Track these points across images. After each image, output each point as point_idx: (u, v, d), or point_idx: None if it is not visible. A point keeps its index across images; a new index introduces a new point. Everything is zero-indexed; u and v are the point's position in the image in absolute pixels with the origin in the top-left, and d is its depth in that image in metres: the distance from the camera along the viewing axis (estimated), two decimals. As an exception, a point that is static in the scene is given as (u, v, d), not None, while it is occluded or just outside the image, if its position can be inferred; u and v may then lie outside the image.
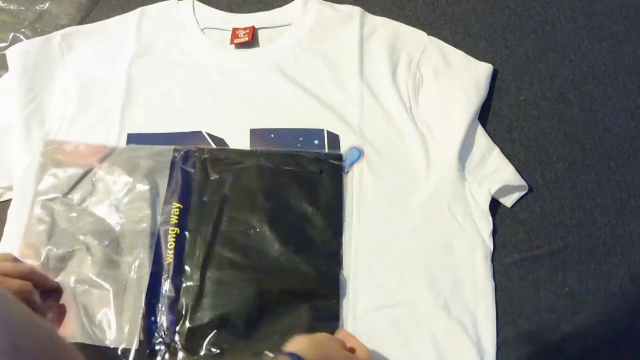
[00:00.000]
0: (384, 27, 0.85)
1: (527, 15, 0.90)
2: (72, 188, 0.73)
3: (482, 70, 0.82)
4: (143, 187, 0.73)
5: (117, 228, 0.71)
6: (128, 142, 0.77)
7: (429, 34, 0.84)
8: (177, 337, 0.66)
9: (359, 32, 0.83)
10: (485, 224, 0.73)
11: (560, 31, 0.88)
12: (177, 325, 0.66)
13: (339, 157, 0.75)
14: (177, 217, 0.71)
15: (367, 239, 0.72)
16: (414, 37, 0.84)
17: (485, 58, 0.84)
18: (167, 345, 0.66)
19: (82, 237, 0.71)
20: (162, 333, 0.66)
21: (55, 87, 0.80)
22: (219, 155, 0.75)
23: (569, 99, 0.84)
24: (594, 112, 0.83)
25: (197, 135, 0.78)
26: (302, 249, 0.70)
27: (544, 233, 0.75)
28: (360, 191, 0.74)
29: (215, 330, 0.66)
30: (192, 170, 0.74)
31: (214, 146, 0.77)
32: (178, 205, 0.72)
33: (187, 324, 0.66)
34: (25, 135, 0.76)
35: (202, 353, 0.65)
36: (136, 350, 0.65)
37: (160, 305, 0.67)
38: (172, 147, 0.76)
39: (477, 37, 0.88)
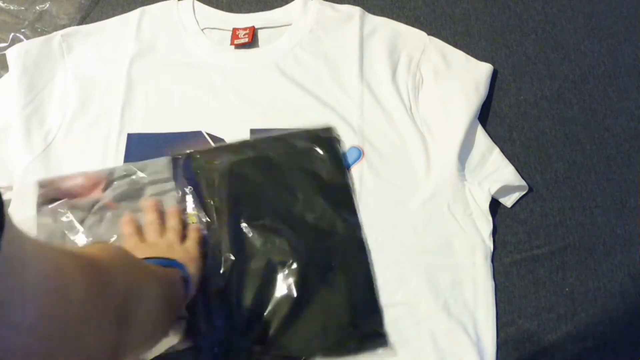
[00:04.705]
0: (384, 27, 0.84)
1: (527, 15, 0.90)
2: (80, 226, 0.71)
3: (482, 70, 0.82)
4: None
5: None
6: (128, 142, 0.77)
7: (429, 34, 0.84)
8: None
9: (359, 32, 0.83)
10: (485, 224, 0.73)
11: (560, 31, 0.88)
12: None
13: (329, 130, 0.76)
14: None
15: (367, 238, 0.72)
16: (414, 37, 0.84)
17: (485, 58, 0.84)
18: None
19: None
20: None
21: (55, 87, 0.80)
22: (214, 158, 0.74)
23: (569, 99, 0.84)
24: (594, 112, 0.83)
25: (197, 135, 0.78)
26: (320, 221, 0.71)
27: (544, 233, 0.75)
28: (360, 191, 0.74)
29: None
30: (194, 183, 0.73)
31: (212, 145, 0.76)
32: (193, 214, 0.71)
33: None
34: (25, 135, 0.76)
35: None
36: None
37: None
38: (167, 158, 0.74)
39: (477, 37, 0.88)
